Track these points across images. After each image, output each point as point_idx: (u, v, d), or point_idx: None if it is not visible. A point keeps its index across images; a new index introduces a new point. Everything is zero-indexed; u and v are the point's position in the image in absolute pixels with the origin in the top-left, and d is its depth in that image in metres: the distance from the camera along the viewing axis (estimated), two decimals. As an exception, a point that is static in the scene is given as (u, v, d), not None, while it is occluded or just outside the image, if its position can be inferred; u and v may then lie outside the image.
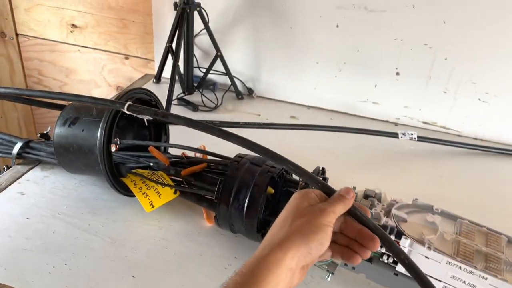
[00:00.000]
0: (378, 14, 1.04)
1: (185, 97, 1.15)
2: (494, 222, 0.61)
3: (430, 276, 0.56)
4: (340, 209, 0.45)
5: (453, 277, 0.54)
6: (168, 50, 1.13)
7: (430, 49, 1.03)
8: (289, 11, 1.10)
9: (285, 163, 0.48)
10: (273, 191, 0.66)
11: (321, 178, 0.64)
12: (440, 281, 0.55)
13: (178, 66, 1.07)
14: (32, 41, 1.38)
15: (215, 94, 1.19)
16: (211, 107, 1.14)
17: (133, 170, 0.75)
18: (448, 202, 0.68)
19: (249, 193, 0.64)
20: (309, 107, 1.20)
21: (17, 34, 1.38)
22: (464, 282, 0.54)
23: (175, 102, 1.14)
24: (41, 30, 1.35)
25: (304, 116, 1.16)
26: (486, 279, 0.52)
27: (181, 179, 0.76)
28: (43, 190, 0.79)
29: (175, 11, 1.07)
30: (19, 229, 0.70)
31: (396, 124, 1.15)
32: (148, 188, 0.73)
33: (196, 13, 1.07)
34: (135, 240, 0.71)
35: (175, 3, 1.05)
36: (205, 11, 1.09)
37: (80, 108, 0.76)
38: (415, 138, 1.00)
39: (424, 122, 1.13)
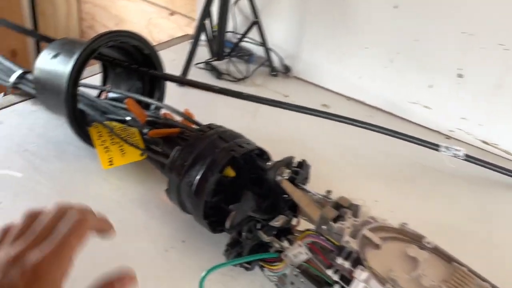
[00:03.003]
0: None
1: (214, 63, 1.06)
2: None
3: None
4: None
5: (415, 337, 0.39)
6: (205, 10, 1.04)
7: (505, 52, 0.82)
8: (344, -18, 0.95)
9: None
10: (233, 174, 0.54)
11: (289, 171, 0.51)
12: (398, 338, 0.41)
13: (204, 24, 0.97)
14: (90, -16, 1.38)
15: (247, 66, 1.08)
16: (237, 77, 1.04)
17: (106, 122, 0.68)
18: (472, 241, 0.51)
19: (202, 170, 0.53)
20: (348, 98, 1.05)
21: (78, -25, 1.39)
22: None
23: (201, 65, 1.05)
24: (99, -27, 1.34)
25: (339, 107, 1.00)
26: None
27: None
28: (22, 124, 0.75)
29: (216, -34, 0.97)
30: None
31: (448, 137, 0.95)
32: (113, 144, 0.65)
33: (237, -29, 0.96)
34: (87, 194, 0.64)
35: (215, -44, 0.95)
36: (249, -31, 0.98)
37: (66, 44, 0.70)
38: (461, 156, 0.81)
39: (483, 142, 0.92)
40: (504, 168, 0.81)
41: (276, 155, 0.59)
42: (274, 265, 0.51)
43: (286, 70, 1.09)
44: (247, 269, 0.54)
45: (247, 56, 1.11)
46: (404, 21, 0.91)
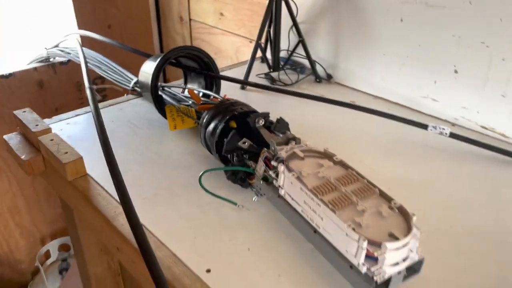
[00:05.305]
0: (437, 10, 1.05)
1: (272, 74, 1.40)
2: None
3: (295, 200, 0.68)
4: None
5: (305, 202, 0.66)
6: (267, 34, 1.39)
7: (487, 48, 0.99)
8: (364, 5, 1.21)
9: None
10: (235, 125, 0.86)
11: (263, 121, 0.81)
12: (299, 205, 0.67)
13: (260, 44, 1.32)
14: (198, 24, 1.85)
15: (298, 75, 1.39)
16: (287, 83, 1.36)
17: (177, 104, 1.06)
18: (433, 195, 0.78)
19: (215, 122, 0.87)
20: (375, 97, 1.28)
21: (190, 19, 1.88)
22: (310, 207, 0.65)
23: (262, 75, 1.40)
24: (203, 16, 1.80)
25: (364, 103, 1.24)
26: (320, 206, 0.62)
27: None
28: (133, 111, 1.18)
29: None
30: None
31: (453, 125, 1.12)
32: (178, 116, 1.03)
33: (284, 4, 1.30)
34: (161, 147, 1.01)
35: (266, -7, 1.31)
36: (295, 3, 1.31)
37: (155, 57, 1.11)
38: (446, 134, 0.99)
39: (482, 127, 1.07)
40: (484, 144, 0.97)
41: (301, 135, 0.88)
42: (253, 180, 0.81)
43: (329, 78, 1.37)
44: (242, 186, 0.84)
45: (299, 68, 1.42)
46: (408, 31, 1.13)
